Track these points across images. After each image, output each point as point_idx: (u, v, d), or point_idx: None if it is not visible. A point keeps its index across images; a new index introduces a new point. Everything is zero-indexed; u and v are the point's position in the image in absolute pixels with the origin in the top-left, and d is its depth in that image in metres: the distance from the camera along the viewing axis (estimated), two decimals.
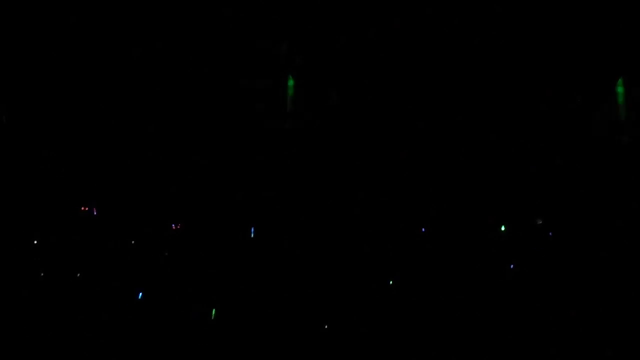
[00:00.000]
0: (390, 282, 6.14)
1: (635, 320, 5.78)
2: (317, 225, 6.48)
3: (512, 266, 6.13)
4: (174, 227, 6.61)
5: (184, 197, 6.69)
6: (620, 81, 6.43)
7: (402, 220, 6.41)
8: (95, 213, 6.58)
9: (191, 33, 6.79)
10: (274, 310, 6.18)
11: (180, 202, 6.67)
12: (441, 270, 6.16)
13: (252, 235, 6.52)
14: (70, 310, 6.36)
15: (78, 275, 6.49)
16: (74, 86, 6.79)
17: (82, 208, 6.62)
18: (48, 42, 6.74)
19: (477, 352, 5.83)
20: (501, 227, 6.23)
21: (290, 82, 6.50)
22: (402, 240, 6.30)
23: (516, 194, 6.31)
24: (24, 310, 6.33)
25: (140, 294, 6.38)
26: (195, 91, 6.80)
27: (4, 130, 6.71)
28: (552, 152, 6.36)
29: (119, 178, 6.70)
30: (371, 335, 6.01)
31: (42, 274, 6.47)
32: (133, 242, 6.57)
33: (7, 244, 6.51)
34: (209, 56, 6.81)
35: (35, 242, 6.57)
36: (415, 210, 6.38)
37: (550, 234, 6.12)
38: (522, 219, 6.24)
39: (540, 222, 6.24)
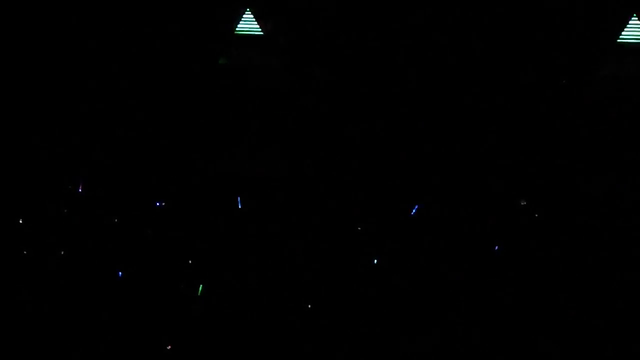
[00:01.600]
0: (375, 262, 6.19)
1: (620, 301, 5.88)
2: (303, 202, 6.50)
3: (496, 248, 6.19)
4: (158, 205, 6.59)
5: (168, 174, 6.67)
6: None
7: (388, 202, 6.45)
8: (80, 190, 6.54)
9: (170, 16, 6.76)
10: (263, 289, 6.21)
11: (165, 178, 6.64)
12: (430, 256, 6.21)
13: (240, 206, 6.51)
14: (52, 288, 6.34)
15: (62, 252, 6.47)
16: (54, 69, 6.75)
17: (69, 186, 6.58)
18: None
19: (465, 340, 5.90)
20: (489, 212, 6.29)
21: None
22: (389, 223, 6.35)
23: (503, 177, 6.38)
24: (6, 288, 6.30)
25: (120, 273, 6.36)
26: (179, 71, 6.77)
27: None
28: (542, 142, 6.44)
29: (104, 157, 6.66)
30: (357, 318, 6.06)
31: (25, 252, 6.43)
32: (116, 220, 6.55)
33: None
34: (188, 36, 6.79)
35: (20, 221, 6.52)
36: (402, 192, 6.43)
37: (536, 215, 6.20)
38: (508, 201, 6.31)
39: (524, 203, 6.31)
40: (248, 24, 6.82)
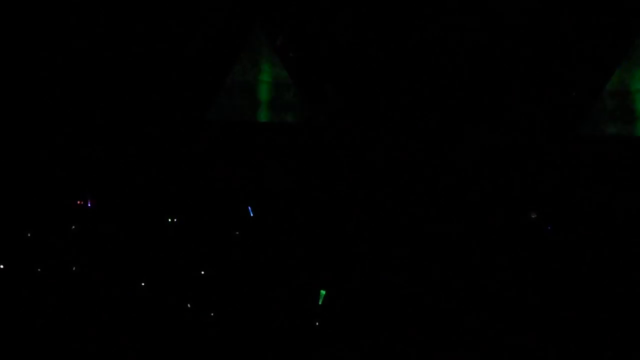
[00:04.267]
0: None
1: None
2: (315, 215, 6.49)
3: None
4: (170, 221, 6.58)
5: (179, 189, 6.66)
6: None
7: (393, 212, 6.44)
8: (90, 205, 6.53)
9: (181, 28, 6.77)
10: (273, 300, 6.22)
11: (176, 193, 6.63)
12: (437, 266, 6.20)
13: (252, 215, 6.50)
14: (64, 302, 6.34)
15: (73, 268, 6.46)
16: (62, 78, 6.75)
17: (78, 202, 6.58)
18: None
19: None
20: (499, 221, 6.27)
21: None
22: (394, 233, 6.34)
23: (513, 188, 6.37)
24: (20, 301, 6.31)
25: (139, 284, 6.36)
26: (190, 83, 6.78)
27: None
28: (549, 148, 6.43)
29: (113, 171, 6.66)
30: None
31: (38, 269, 6.43)
32: (129, 234, 6.54)
33: (3, 239, 6.46)
34: (201, 49, 6.80)
35: (29, 234, 6.51)
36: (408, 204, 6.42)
37: (549, 227, 6.18)
38: (518, 213, 6.29)
39: (535, 216, 6.29)
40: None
